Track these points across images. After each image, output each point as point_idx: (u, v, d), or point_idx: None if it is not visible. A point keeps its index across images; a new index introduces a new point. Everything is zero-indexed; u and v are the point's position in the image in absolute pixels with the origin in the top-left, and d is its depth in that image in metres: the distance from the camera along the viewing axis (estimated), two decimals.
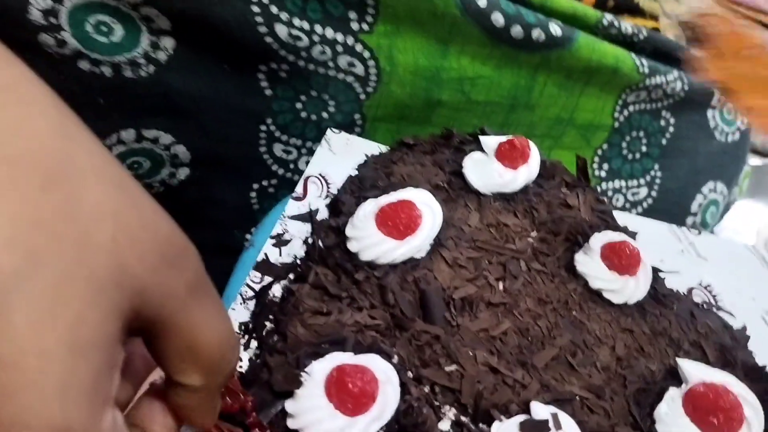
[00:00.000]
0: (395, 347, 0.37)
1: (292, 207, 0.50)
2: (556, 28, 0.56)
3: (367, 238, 0.41)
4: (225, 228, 0.62)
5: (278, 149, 0.57)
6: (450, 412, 0.34)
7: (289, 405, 0.33)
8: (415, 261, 0.41)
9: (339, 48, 0.51)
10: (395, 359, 0.36)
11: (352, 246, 0.41)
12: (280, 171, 0.60)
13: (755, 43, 0.41)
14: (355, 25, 0.51)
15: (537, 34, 0.55)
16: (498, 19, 0.54)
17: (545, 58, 0.57)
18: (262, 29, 0.46)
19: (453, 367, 0.36)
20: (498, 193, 0.47)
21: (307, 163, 0.60)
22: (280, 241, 0.47)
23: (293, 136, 0.57)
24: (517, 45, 0.56)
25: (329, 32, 0.49)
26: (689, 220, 0.72)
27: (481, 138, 0.50)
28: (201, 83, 0.49)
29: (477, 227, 0.44)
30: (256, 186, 0.60)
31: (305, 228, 0.48)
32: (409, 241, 0.41)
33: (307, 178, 0.51)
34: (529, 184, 0.48)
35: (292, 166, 0.60)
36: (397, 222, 0.41)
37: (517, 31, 0.55)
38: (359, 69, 0.53)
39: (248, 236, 0.64)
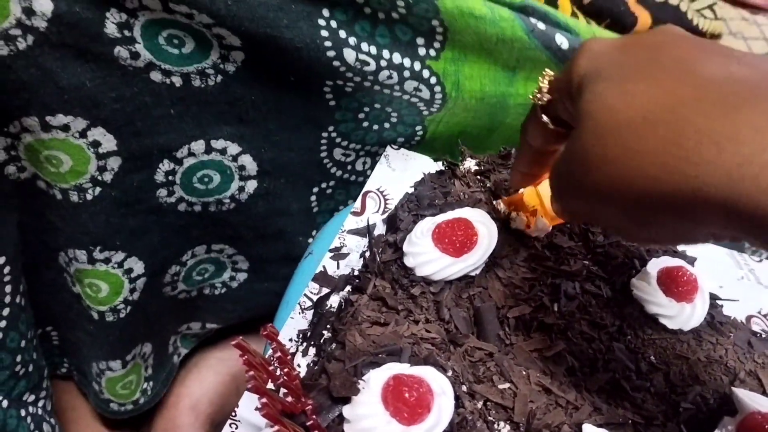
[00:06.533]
0: (450, 361, 0.37)
1: (350, 221, 0.51)
2: None
3: (424, 254, 0.42)
4: (290, 237, 0.64)
5: (338, 153, 0.59)
6: (504, 429, 0.35)
7: (347, 411, 0.34)
8: (470, 278, 0.42)
9: (406, 73, 0.51)
10: (450, 373, 0.36)
11: (408, 261, 0.42)
12: (338, 173, 0.61)
13: None
14: (422, 51, 0.51)
15: None
16: (563, 42, 0.54)
17: None
18: (331, 53, 0.47)
19: (506, 385, 0.37)
20: None
21: (364, 164, 0.62)
22: (338, 255, 0.49)
23: (353, 142, 0.58)
24: None
25: (396, 57, 0.50)
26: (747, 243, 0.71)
27: None
28: (267, 93, 0.50)
29: (532, 248, 0.44)
30: (315, 189, 0.62)
31: (362, 242, 0.50)
32: (464, 258, 0.41)
33: (366, 193, 0.53)
34: None
35: (349, 167, 0.61)
36: (454, 239, 0.42)
37: None
38: (425, 93, 0.54)
39: (310, 240, 0.66)
